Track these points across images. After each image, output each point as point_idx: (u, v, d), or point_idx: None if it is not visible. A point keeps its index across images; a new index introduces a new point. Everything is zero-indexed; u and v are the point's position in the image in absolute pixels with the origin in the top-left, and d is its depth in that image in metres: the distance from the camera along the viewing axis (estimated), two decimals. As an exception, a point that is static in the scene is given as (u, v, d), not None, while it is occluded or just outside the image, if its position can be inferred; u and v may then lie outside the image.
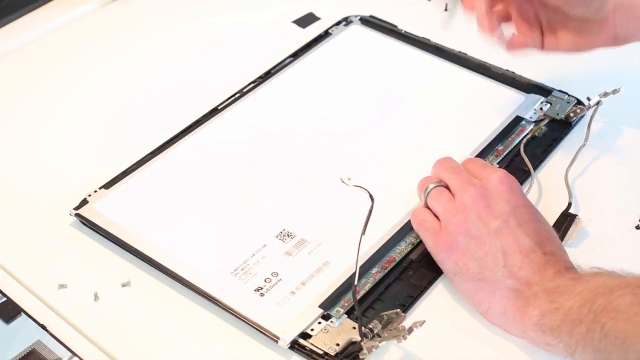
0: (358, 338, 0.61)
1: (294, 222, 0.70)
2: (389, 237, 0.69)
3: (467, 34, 0.90)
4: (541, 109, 0.81)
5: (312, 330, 0.63)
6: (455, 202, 0.66)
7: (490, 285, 0.62)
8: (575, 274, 0.60)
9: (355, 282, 0.61)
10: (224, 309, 0.64)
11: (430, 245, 0.67)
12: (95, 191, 0.73)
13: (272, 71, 0.86)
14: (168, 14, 0.96)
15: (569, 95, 0.82)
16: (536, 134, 0.78)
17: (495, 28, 0.73)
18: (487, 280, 0.62)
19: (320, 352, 0.61)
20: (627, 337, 0.54)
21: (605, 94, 0.77)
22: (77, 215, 0.71)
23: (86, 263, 0.69)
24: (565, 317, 0.57)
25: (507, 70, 0.85)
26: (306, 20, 0.94)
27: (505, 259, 0.62)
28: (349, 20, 0.92)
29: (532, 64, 0.82)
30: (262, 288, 0.65)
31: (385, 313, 0.61)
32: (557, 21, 0.74)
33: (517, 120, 0.80)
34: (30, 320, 0.64)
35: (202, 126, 0.79)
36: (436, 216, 0.67)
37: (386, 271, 0.67)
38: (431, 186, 0.68)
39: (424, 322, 0.58)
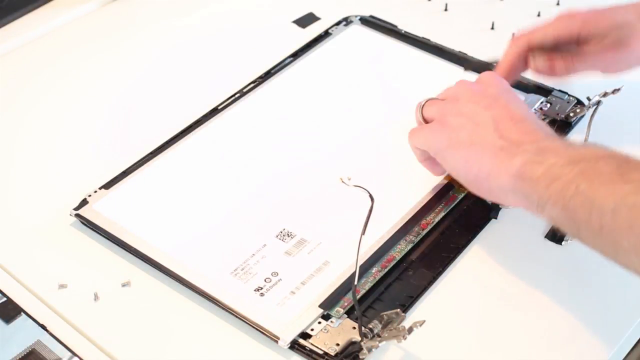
0: (358, 338, 0.61)
1: (294, 222, 0.70)
2: (389, 237, 0.69)
3: (467, 34, 0.91)
4: (541, 108, 0.81)
5: (312, 330, 0.63)
6: (449, 97, 0.68)
7: (479, 147, 0.63)
8: (568, 141, 0.61)
9: (355, 282, 0.61)
10: (224, 309, 0.64)
11: (424, 134, 0.68)
12: (95, 191, 0.73)
13: (272, 71, 0.86)
14: (168, 14, 0.96)
15: (569, 95, 0.82)
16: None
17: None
18: (477, 145, 0.63)
19: (320, 352, 0.61)
20: (595, 199, 0.55)
21: (605, 94, 0.77)
22: (77, 215, 0.71)
23: (86, 263, 0.69)
24: (546, 172, 0.59)
25: (507, 70, 0.85)
26: (306, 20, 0.94)
27: (496, 125, 0.63)
28: (349, 20, 0.92)
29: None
30: (262, 288, 0.65)
31: (385, 313, 0.61)
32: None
33: (517, 120, 0.80)
34: (30, 320, 0.64)
35: (202, 126, 0.80)
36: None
37: (386, 271, 0.67)
38: (424, 101, 0.70)
39: (424, 322, 0.58)
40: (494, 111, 0.65)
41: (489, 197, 0.65)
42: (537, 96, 0.82)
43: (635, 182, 0.54)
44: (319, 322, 0.63)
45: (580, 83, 0.80)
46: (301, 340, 0.62)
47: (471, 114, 0.65)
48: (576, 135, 0.79)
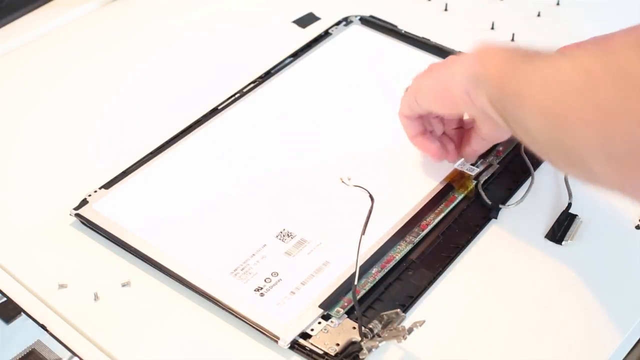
0: (358, 338, 0.61)
1: (294, 222, 0.70)
2: (389, 237, 0.69)
3: (467, 34, 0.91)
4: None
5: (312, 330, 0.63)
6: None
7: (451, 63, 0.67)
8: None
9: (355, 282, 0.61)
10: (224, 309, 0.64)
11: (408, 92, 0.71)
12: (95, 191, 0.73)
13: (272, 71, 0.86)
14: (168, 14, 0.96)
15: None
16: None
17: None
18: (449, 63, 0.68)
19: (320, 352, 0.61)
20: (527, 72, 0.58)
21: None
22: (77, 215, 0.71)
23: (86, 263, 0.69)
24: (501, 60, 0.61)
25: (507, 70, 0.85)
26: (306, 20, 0.94)
27: (467, 54, 0.67)
28: (349, 20, 0.92)
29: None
30: (262, 288, 0.65)
31: (385, 313, 0.61)
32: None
33: (517, 120, 0.80)
34: (30, 320, 0.64)
35: (202, 126, 0.80)
36: None
37: (386, 271, 0.67)
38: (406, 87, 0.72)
39: (424, 322, 0.59)
40: (466, 55, 0.67)
41: (453, 106, 0.67)
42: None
43: (571, 58, 0.56)
44: (319, 322, 0.63)
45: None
46: (301, 340, 0.62)
47: (453, 59, 0.69)
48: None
